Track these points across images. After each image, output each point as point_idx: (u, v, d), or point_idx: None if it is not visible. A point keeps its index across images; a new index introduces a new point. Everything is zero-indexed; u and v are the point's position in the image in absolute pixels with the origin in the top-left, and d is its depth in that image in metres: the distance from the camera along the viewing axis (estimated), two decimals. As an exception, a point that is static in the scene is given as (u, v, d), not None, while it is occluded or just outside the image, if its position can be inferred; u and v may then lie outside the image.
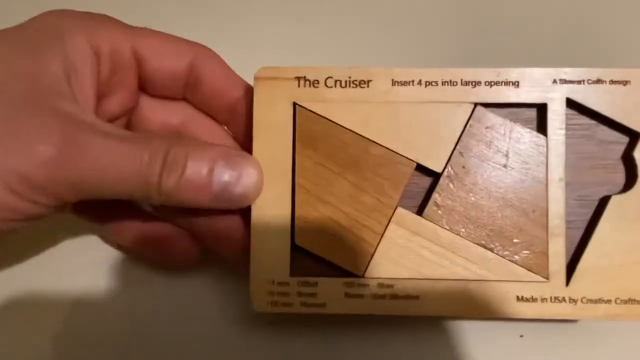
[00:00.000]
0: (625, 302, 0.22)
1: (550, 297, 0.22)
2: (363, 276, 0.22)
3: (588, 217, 0.23)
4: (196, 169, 0.21)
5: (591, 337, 0.25)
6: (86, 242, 0.27)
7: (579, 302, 0.22)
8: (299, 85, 0.23)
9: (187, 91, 0.24)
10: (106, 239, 0.27)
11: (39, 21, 0.21)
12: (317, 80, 0.23)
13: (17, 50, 0.20)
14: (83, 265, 0.27)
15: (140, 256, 0.26)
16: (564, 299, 0.22)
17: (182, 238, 0.25)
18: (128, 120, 0.25)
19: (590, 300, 0.22)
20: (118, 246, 0.27)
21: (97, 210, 0.25)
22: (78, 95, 0.21)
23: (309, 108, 0.23)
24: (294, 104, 0.23)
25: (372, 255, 0.22)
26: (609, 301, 0.22)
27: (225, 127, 0.25)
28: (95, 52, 0.22)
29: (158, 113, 0.25)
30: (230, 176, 0.21)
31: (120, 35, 0.22)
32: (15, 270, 0.27)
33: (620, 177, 0.23)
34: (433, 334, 0.26)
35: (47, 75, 0.20)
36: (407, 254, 0.22)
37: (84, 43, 0.21)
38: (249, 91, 0.24)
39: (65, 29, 0.21)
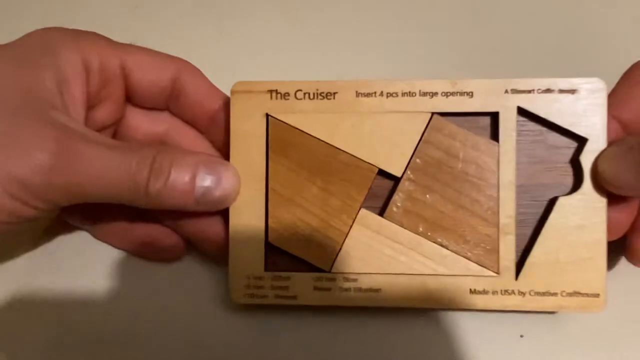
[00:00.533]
0: (571, 294, 0.24)
1: (501, 290, 0.24)
2: (330, 271, 0.25)
3: (538, 216, 0.25)
4: (180, 174, 0.23)
5: (591, 337, 0.26)
6: (86, 242, 0.28)
7: (527, 295, 0.24)
8: (271, 98, 0.25)
9: (170, 102, 0.26)
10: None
11: (33, 38, 0.23)
12: (288, 93, 0.25)
13: (14, 65, 0.22)
14: (83, 265, 0.28)
15: (128, 252, 0.28)
16: (513, 292, 0.24)
17: (168, 235, 0.27)
18: (115, 129, 0.27)
19: (538, 293, 0.24)
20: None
21: (85, 213, 0.26)
22: (69, 107, 0.23)
23: (280, 119, 0.25)
24: (267, 115, 0.25)
25: (338, 252, 0.25)
26: (555, 294, 0.24)
27: (205, 136, 0.27)
28: (85, 67, 0.24)
29: (143, 122, 0.27)
30: (210, 181, 0.23)
31: (109, 51, 0.24)
32: (15, 270, 0.28)
33: (569, 180, 0.24)
34: (432, 334, 0.26)
35: (42, 89, 0.22)
36: (370, 251, 0.25)
37: (75, 59, 0.23)
38: (227, 103, 0.26)
39: (57, 45, 0.23)
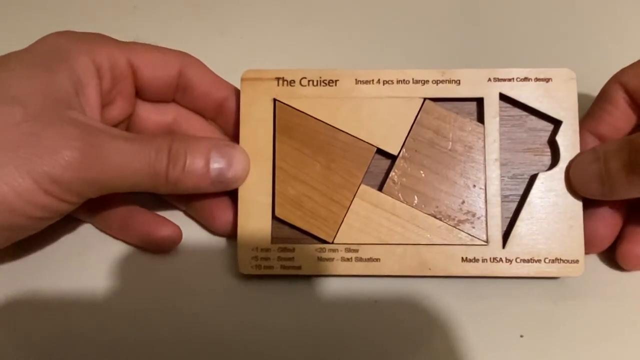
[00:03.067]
0: (553, 261, 0.26)
1: (490, 258, 0.26)
2: (333, 242, 0.27)
3: (521, 191, 0.27)
4: (195, 160, 0.25)
5: (591, 337, 0.26)
6: (86, 242, 0.29)
7: (514, 262, 0.26)
8: (278, 85, 0.27)
9: (177, 94, 0.28)
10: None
11: (46, 44, 0.25)
12: (293, 80, 0.27)
13: (31, 71, 0.23)
14: (83, 265, 0.28)
15: (127, 243, 0.29)
16: (501, 260, 0.26)
17: (164, 225, 0.28)
18: (127, 123, 0.28)
19: (524, 260, 0.26)
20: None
21: (87, 206, 0.26)
22: (86, 107, 0.24)
23: (286, 103, 0.27)
24: (274, 100, 0.27)
25: (340, 224, 0.27)
26: (539, 260, 0.26)
27: (213, 122, 0.29)
28: (97, 69, 0.25)
29: (152, 114, 0.28)
30: (223, 163, 0.25)
31: (117, 51, 0.26)
32: (16, 270, 0.28)
33: (546, 159, 0.27)
34: (432, 333, 0.27)
35: (59, 92, 0.23)
36: (370, 223, 0.27)
37: (87, 61, 0.25)
38: (233, 91, 0.28)
39: (70, 50, 0.24)
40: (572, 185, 0.26)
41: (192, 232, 0.29)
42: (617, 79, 0.26)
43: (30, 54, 0.24)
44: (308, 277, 0.28)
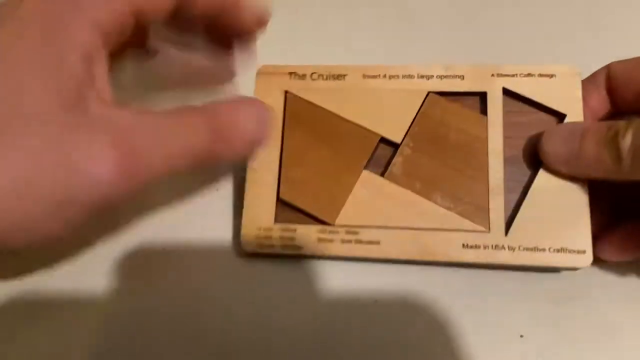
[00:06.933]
0: (558, 250, 0.25)
1: (492, 245, 0.26)
2: (334, 224, 0.27)
3: (524, 183, 0.27)
4: (239, 128, 0.22)
5: (592, 337, 0.26)
6: (86, 242, 0.29)
7: (516, 250, 0.25)
8: (290, 79, 0.29)
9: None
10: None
11: (37, 7, 0.20)
12: (305, 75, 0.29)
13: (37, 59, 0.19)
14: (83, 265, 0.28)
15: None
16: (503, 247, 0.26)
17: None
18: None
19: (527, 249, 0.25)
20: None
21: None
22: (99, 87, 0.20)
23: (297, 95, 0.29)
24: (286, 92, 0.29)
25: (342, 207, 0.27)
26: (543, 250, 0.25)
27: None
28: (104, 37, 0.21)
29: None
30: (258, 125, 0.23)
31: (118, 4, 0.21)
32: (15, 270, 0.28)
33: (551, 151, 0.27)
34: (432, 333, 0.27)
35: (73, 85, 0.19)
36: (371, 207, 0.27)
37: (93, 33, 0.20)
38: None
39: (70, 18, 0.20)
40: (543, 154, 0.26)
41: (193, 221, 0.30)
42: (607, 65, 0.26)
43: (21, 25, 0.20)
44: (310, 273, 0.28)
